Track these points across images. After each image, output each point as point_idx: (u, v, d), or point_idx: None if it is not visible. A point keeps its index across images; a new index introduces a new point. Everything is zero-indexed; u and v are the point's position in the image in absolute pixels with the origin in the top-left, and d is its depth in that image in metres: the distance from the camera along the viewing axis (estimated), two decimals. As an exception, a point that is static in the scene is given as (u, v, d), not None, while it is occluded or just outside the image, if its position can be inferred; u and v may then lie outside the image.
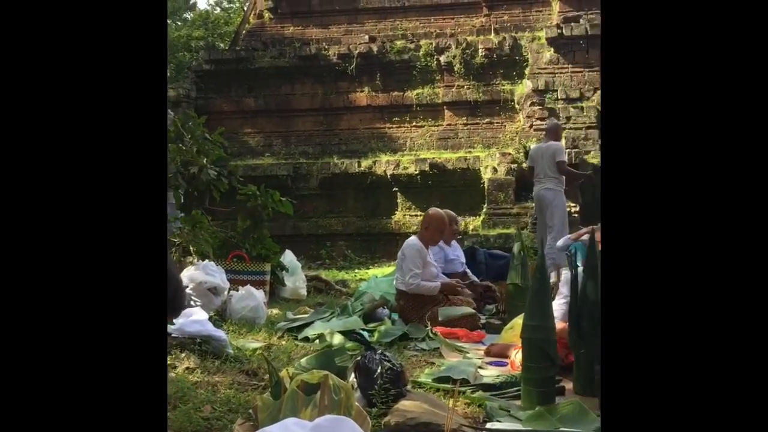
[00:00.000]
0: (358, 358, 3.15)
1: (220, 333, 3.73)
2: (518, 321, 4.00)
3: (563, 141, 9.49)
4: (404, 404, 2.89)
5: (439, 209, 5.45)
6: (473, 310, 4.87)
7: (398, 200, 11.28)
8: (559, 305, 3.82)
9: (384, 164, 11.14)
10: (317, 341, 4.21)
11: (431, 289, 4.93)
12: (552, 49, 11.52)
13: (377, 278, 6.36)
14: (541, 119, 11.09)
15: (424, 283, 4.93)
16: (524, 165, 10.61)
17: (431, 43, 12.07)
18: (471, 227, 10.46)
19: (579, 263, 3.78)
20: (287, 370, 2.85)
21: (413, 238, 5.10)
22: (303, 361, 3.10)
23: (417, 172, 10.94)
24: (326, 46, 12.45)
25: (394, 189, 11.21)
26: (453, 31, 12.49)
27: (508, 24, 12.38)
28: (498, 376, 3.57)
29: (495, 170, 10.62)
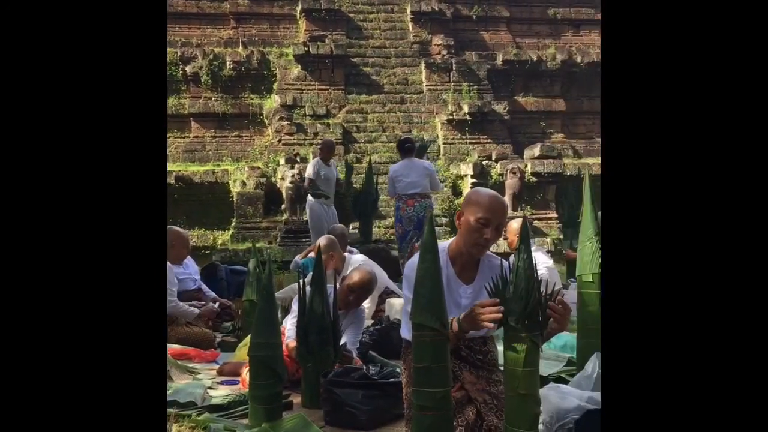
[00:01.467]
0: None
1: None
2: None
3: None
4: (118, 436, 2.71)
5: (175, 227, 5.34)
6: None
7: (141, 215, 10.71)
8: (291, 323, 3.86)
9: (125, 177, 10.53)
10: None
11: (189, 314, 4.84)
12: (299, 66, 11.76)
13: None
14: (290, 134, 11.25)
15: (183, 305, 4.84)
16: (272, 179, 10.66)
17: (176, 52, 11.69)
18: (219, 242, 10.26)
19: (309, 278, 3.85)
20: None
21: None
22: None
23: (162, 185, 10.47)
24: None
25: (136, 203, 10.63)
26: (200, 42, 12.22)
27: (257, 38, 12.41)
28: (228, 395, 3.50)
29: (244, 184, 10.53)
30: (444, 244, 2.56)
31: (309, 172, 8.08)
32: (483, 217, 2.38)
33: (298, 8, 12.37)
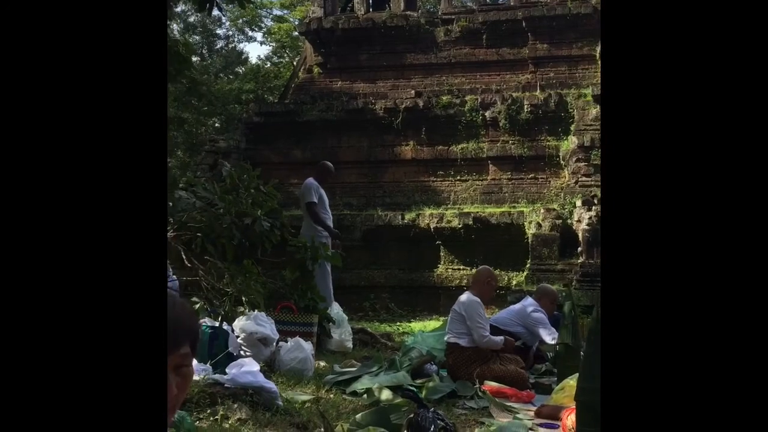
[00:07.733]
0: (411, 415, 3.15)
1: (270, 384, 3.76)
2: (570, 382, 3.96)
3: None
4: (458, 464, 2.87)
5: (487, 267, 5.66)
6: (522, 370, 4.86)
7: (441, 254, 11.28)
8: None
9: (427, 217, 11.20)
10: (365, 396, 4.21)
11: (497, 343, 4.99)
12: (598, 107, 11.56)
13: (424, 333, 6.34)
14: (587, 175, 11.06)
15: (492, 337, 5.01)
16: (569, 221, 10.56)
17: (477, 99, 12.22)
18: (514, 282, 10.40)
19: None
20: (342, 425, 2.87)
21: (471, 295, 5.09)
22: (358, 417, 3.11)
23: (460, 225, 10.95)
24: (373, 101, 12.69)
25: (437, 242, 11.23)
26: (499, 87, 12.63)
27: (554, 81, 12.48)
28: (549, 439, 3.52)
29: (539, 225, 10.59)
30: None
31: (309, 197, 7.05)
32: None
33: (598, 48, 12.21)
